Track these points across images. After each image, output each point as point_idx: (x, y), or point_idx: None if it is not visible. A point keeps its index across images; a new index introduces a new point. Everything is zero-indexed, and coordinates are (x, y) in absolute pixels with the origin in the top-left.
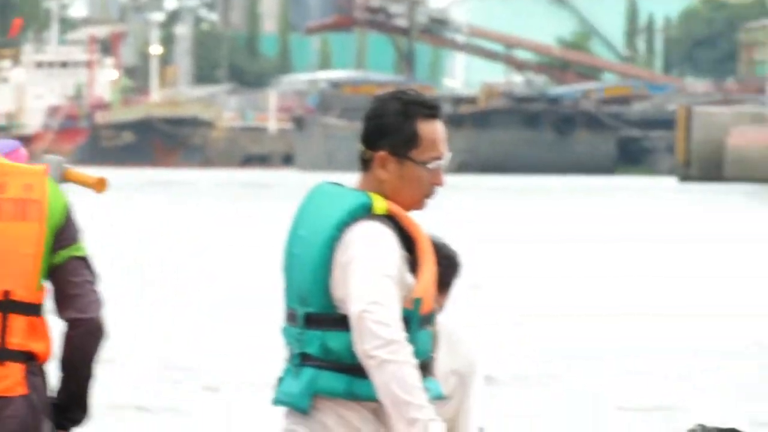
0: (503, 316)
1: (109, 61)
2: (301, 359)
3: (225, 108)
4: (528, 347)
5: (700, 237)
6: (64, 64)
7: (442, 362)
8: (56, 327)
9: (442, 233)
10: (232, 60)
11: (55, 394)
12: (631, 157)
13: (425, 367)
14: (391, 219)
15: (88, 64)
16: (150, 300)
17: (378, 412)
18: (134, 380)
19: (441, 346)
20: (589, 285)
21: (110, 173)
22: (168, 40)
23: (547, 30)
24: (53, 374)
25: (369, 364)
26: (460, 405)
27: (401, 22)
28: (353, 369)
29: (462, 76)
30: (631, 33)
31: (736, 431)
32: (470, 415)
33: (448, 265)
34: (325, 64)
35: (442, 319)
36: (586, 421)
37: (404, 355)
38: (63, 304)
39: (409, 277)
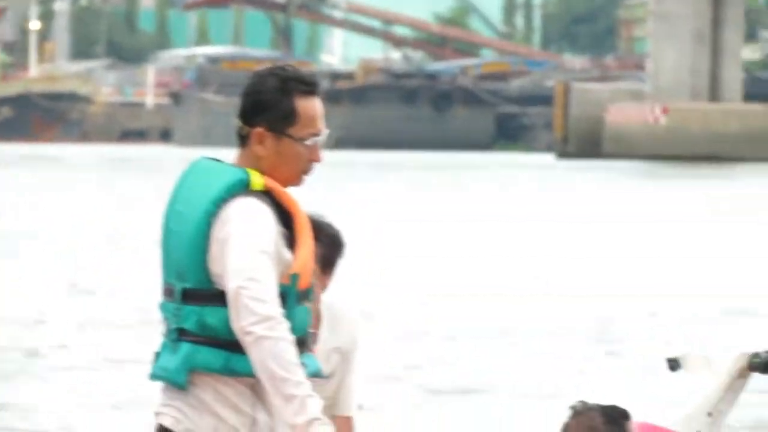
0: (406, 296)
1: None
2: (178, 334)
3: (103, 83)
4: (434, 327)
5: (580, 214)
6: None
7: (324, 340)
8: None
9: (328, 212)
10: (111, 35)
11: None
12: (509, 134)
13: (303, 343)
14: (268, 195)
15: None
16: (18, 274)
17: (255, 388)
18: None
19: (324, 325)
20: (479, 264)
21: None
22: (47, 16)
23: (425, 6)
24: None
25: (246, 340)
26: (341, 382)
27: None
28: (230, 345)
29: (340, 52)
30: (509, 9)
31: (617, 408)
32: (351, 392)
33: (332, 245)
34: (202, 39)
35: (326, 298)
36: (490, 403)
37: (281, 331)
38: None
39: (286, 253)
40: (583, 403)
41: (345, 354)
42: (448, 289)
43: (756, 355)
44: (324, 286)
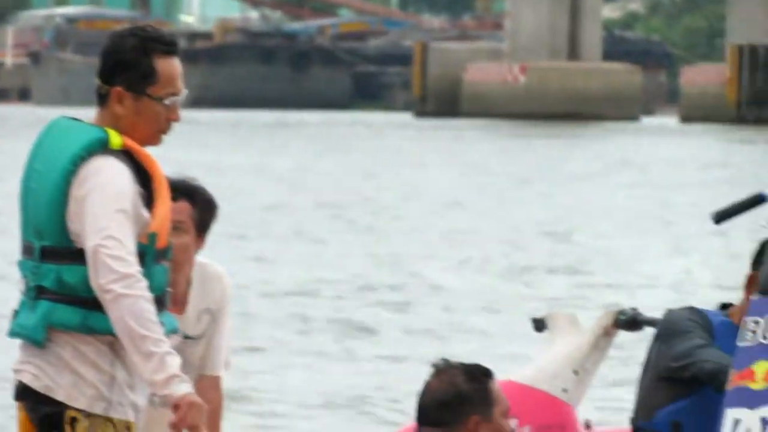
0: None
1: None
2: (36, 292)
3: None
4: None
5: (438, 169)
6: None
7: (195, 301)
8: None
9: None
10: None
11: None
12: (367, 93)
13: (161, 302)
14: (126, 154)
15: None
16: None
17: (114, 346)
18: None
19: (194, 286)
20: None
21: None
22: None
23: None
24: None
25: (105, 298)
26: (210, 342)
27: None
28: (89, 302)
29: (198, 11)
30: None
31: (479, 366)
32: (220, 352)
33: (207, 208)
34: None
35: (197, 259)
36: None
37: (139, 289)
38: None
39: (144, 212)
40: (445, 361)
41: (215, 314)
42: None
43: (622, 312)
44: (198, 249)
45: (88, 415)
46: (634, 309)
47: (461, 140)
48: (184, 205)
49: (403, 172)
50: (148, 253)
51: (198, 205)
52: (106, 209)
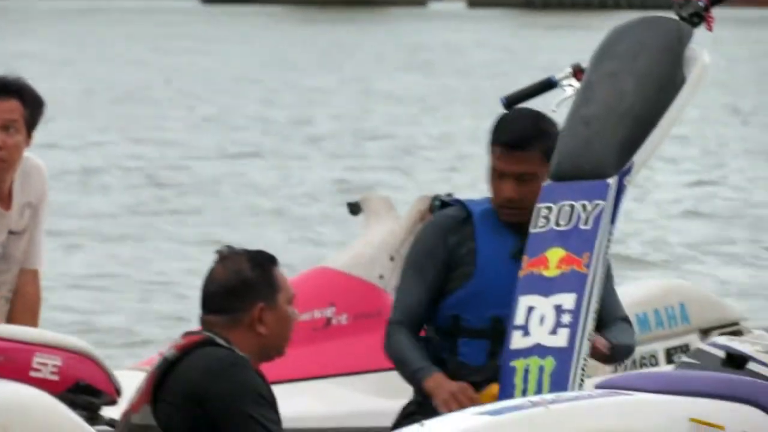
0: None
1: None
2: None
3: None
4: None
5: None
6: None
7: (17, 196)
8: None
9: None
10: None
11: None
12: None
13: None
14: None
15: None
16: None
17: None
18: None
19: (17, 181)
20: None
21: None
22: None
23: None
24: None
25: None
26: (31, 235)
27: None
28: None
29: None
30: None
31: (263, 253)
32: (39, 245)
33: (36, 107)
34: None
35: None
36: None
37: None
38: None
39: None
40: (230, 247)
41: (35, 207)
42: None
43: (437, 197)
44: (26, 147)
45: None
46: (449, 194)
47: (251, 26)
48: (15, 104)
49: (192, 58)
50: None
51: (28, 104)
52: None
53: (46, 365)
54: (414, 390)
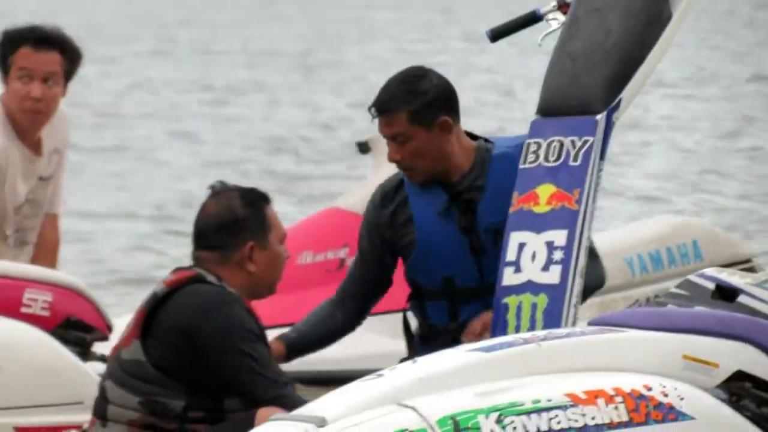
0: None
1: None
2: None
3: None
4: None
5: None
6: None
7: (46, 142)
8: None
9: None
10: None
11: None
12: None
13: None
14: None
15: None
16: None
17: None
18: None
19: (45, 127)
20: None
21: None
22: None
23: None
24: None
25: None
26: (57, 181)
27: None
28: None
29: None
30: None
31: (256, 191)
32: (61, 190)
33: (74, 59)
34: None
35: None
36: None
37: None
38: None
39: None
40: (223, 183)
41: (60, 153)
42: None
43: None
44: (63, 96)
45: None
46: None
47: None
48: (56, 57)
49: None
50: None
51: (68, 56)
52: None
53: (37, 301)
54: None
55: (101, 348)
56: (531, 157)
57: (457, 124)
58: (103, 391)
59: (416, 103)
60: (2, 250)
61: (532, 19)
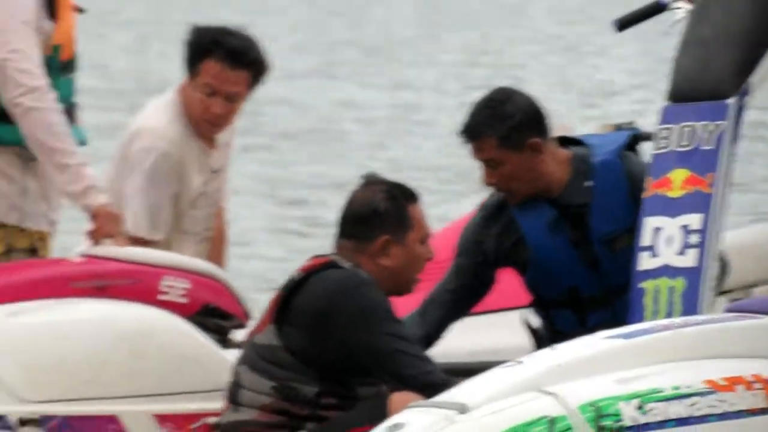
0: None
1: None
2: None
3: None
4: None
5: None
6: None
7: (218, 135)
8: None
9: None
10: None
11: None
12: None
13: (69, 114)
14: None
15: None
16: None
17: (24, 156)
18: None
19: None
20: None
21: None
22: None
23: None
24: None
25: (15, 112)
26: (225, 173)
27: None
28: None
29: None
30: None
31: (403, 187)
32: (227, 183)
33: (261, 79)
34: None
35: None
36: None
37: (48, 101)
38: None
39: (47, 24)
40: (374, 175)
41: (229, 145)
42: None
43: (618, 126)
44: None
45: (2, 225)
46: (630, 123)
47: None
48: (244, 76)
49: None
50: (53, 65)
51: (255, 75)
52: (10, 22)
53: (175, 288)
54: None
55: (240, 335)
56: (663, 142)
57: (547, 142)
58: (236, 375)
59: (504, 128)
60: (184, 245)
61: (658, 8)
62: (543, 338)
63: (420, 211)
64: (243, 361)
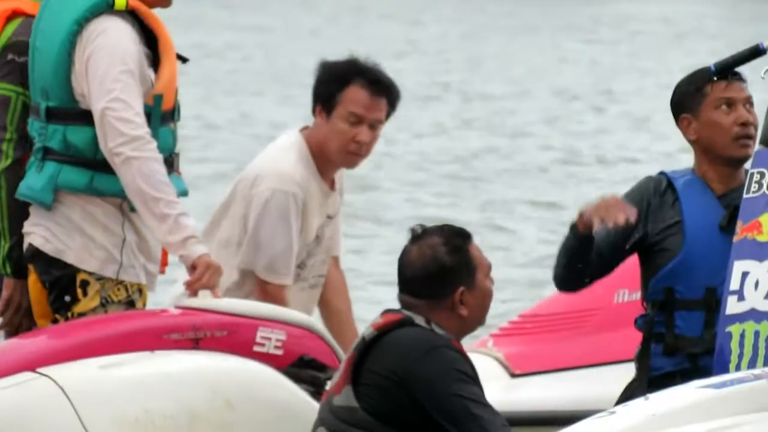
0: None
1: None
2: (43, 153)
3: None
4: None
5: None
6: None
7: (337, 181)
8: None
9: None
10: None
11: None
12: None
13: (169, 164)
14: (132, 14)
15: None
16: None
17: (123, 208)
18: None
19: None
20: None
21: None
22: None
23: None
24: None
25: (114, 162)
26: (338, 222)
27: None
28: (95, 164)
29: None
30: None
31: (459, 231)
32: (341, 233)
33: (395, 106)
34: None
35: None
36: None
37: (149, 151)
38: None
39: (150, 73)
40: (422, 226)
41: (342, 193)
42: None
43: None
44: None
45: (99, 278)
46: None
47: None
48: (385, 103)
49: None
50: (154, 115)
51: (392, 102)
52: (112, 70)
53: (270, 339)
54: (636, 371)
55: None
56: (754, 186)
57: None
58: None
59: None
60: (296, 292)
61: (756, 52)
62: (653, 350)
63: (477, 248)
64: (321, 422)
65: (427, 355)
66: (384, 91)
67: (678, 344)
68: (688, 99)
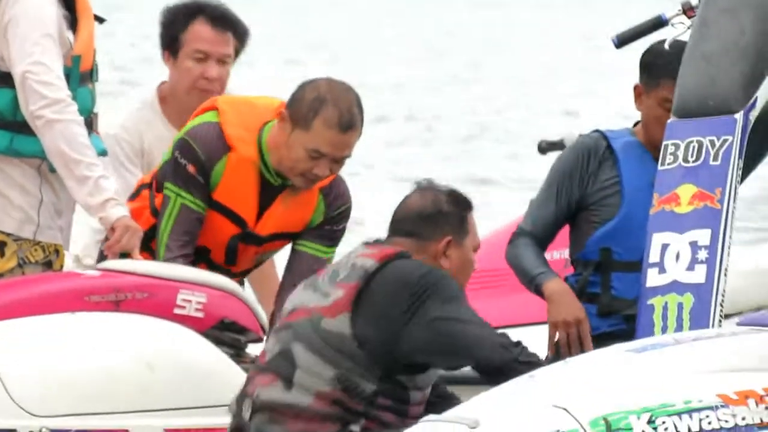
0: None
1: None
2: None
3: None
4: None
5: None
6: None
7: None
8: None
9: None
10: None
11: None
12: None
13: (88, 125)
14: None
15: None
16: None
17: (41, 169)
18: None
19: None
20: None
21: None
22: None
23: None
24: None
25: (36, 125)
26: None
27: None
28: (15, 125)
29: None
30: None
31: (464, 195)
32: None
33: (244, 40)
34: None
35: None
36: None
37: (70, 113)
38: None
39: (68, 35)
40: (429, 181)
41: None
42: None
43: None
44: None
45: (17, 239)
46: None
47: None
48: (230, 37)
49: None
50: (73, 76)
51: (239, 37)
52: (32, 34)
53: (191, 302)
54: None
55: (256, 350)
56: (669, 158)
57: None
58: (287, 353)
59: None
60: None
61: (658, 23)
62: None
63: (474, 221)
64: (297, 338)
65: (426, 276)
66: (228, 25)
67: (614, 305)
68: (645, 73)
